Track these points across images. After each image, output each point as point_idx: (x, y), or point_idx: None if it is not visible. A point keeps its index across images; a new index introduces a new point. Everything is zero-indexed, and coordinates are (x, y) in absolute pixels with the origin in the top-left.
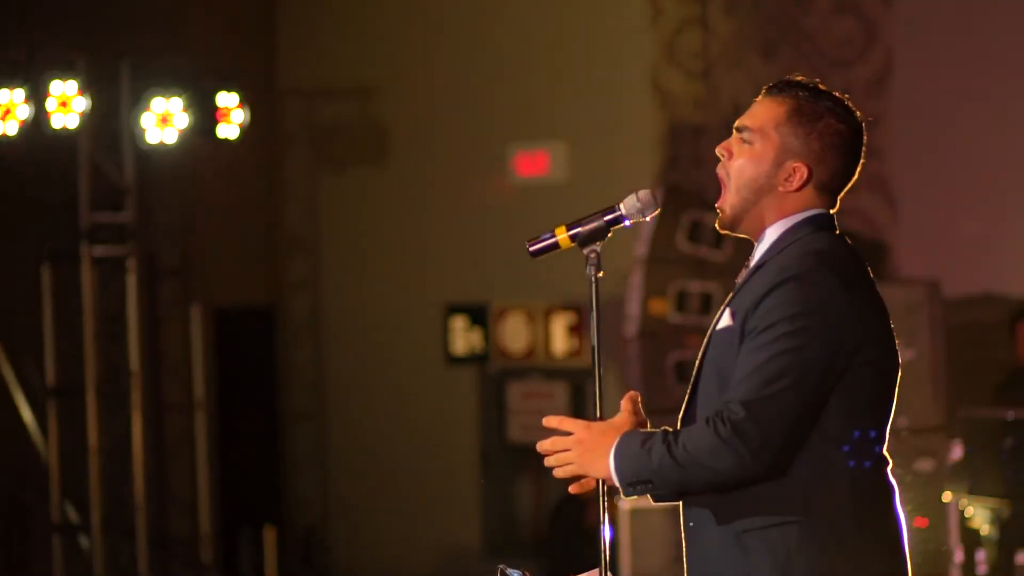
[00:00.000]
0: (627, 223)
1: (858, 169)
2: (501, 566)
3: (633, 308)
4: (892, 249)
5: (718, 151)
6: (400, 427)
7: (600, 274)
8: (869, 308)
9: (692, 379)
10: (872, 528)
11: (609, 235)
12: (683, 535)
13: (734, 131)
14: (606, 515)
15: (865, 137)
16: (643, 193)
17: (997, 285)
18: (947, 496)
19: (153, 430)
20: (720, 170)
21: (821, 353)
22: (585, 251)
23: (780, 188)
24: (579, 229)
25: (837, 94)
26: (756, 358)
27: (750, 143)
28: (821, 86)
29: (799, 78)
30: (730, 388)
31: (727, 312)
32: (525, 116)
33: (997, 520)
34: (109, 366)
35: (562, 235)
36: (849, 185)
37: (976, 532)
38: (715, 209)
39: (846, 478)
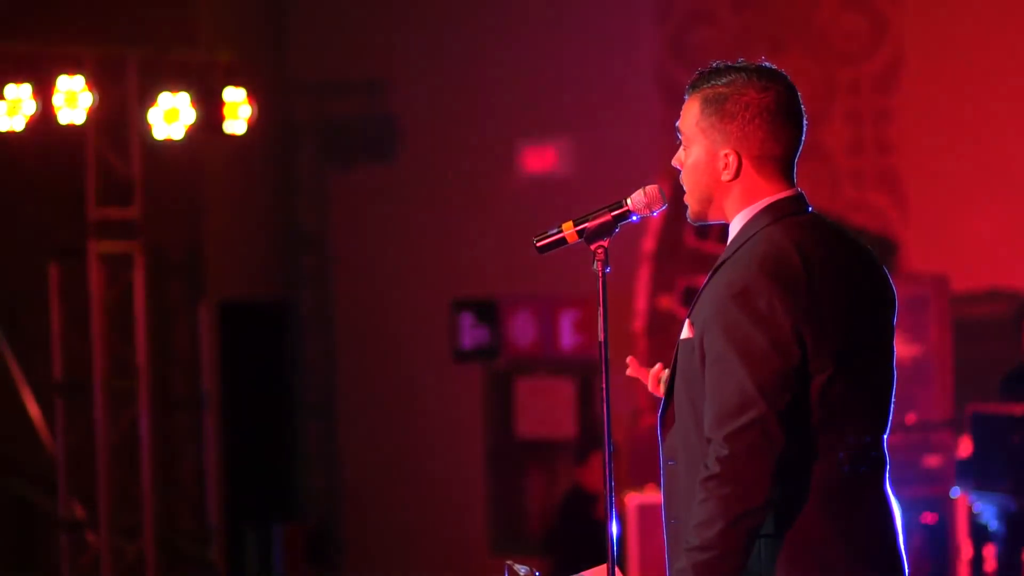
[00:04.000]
0: (634, 218)
1: (798, 127)
2: (509, 562)
3: (641, 303)
4: (900, 244)
5: (673, 164)
6: (408, 422)
7: (608, 269)
8: (825, 303)
9: (668, 381)
10: (851, 541)
11: (616, 230)
12: (665, 532)
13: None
14: (613, 510)
15: (795, 94)
16: (650, 188)
17: (1005, 280)
18: (955, 492)
19: (161, 426)
20: (680, 179)
21: (777, 366)
22: (592, 246)
23: (723, 180)
24: (586, 224)
25: (745, 62)
26: (715, 390)
27: (687, 147)
28: (727, 63)
29: (709, 67)
30: (704, 427)
31: (687, 322)
32: (533, 111)
33: (1005, 516)
34: (117, 362)
35: (569, 230)
36: (797, 149)
37: (984, 528)
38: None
39: (819, 491)
